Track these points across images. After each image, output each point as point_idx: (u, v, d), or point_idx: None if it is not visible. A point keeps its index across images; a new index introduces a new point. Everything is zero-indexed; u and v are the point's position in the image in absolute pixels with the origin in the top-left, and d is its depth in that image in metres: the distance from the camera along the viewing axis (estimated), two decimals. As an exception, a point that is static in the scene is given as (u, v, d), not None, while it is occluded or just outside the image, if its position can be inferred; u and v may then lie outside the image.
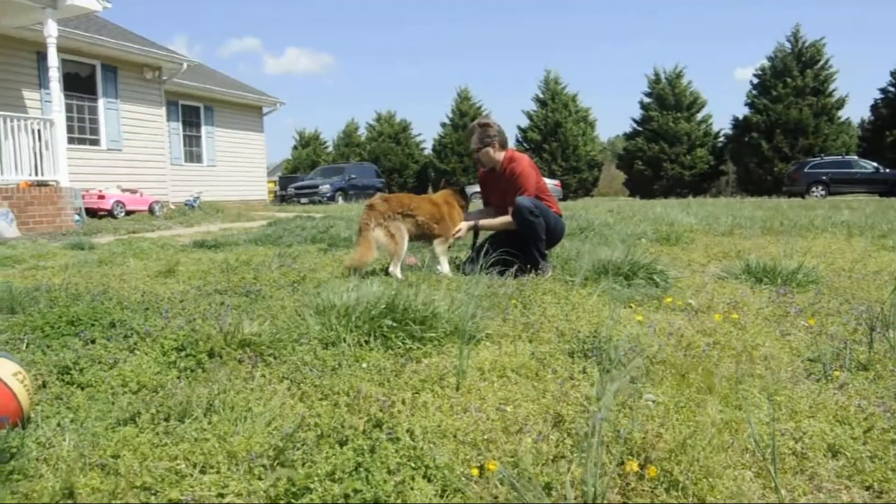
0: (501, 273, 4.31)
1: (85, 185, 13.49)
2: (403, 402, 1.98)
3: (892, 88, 35.30)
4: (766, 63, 36.52)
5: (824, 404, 2.03)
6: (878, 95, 36.01)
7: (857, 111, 77.05)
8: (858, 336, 2.80)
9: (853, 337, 2.78)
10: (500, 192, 4.87)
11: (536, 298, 3.61)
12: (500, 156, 4.83)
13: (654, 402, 2.01)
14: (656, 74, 39.78)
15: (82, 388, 2.22)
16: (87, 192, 13.36)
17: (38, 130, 11.32)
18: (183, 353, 2.50)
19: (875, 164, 26.04)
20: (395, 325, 2.74)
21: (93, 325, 2.95)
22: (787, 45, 36.07)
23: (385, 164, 41.93)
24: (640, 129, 39.76)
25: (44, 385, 2.25)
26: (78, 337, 2.78)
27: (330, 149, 47.44)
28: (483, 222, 4.92)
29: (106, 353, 2.53)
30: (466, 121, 41.25)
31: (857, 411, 1.96)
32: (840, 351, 2.55)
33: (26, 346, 2.71)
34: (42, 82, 13.46)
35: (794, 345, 2.77)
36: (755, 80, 37.12)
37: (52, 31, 11.15)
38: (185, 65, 16.95)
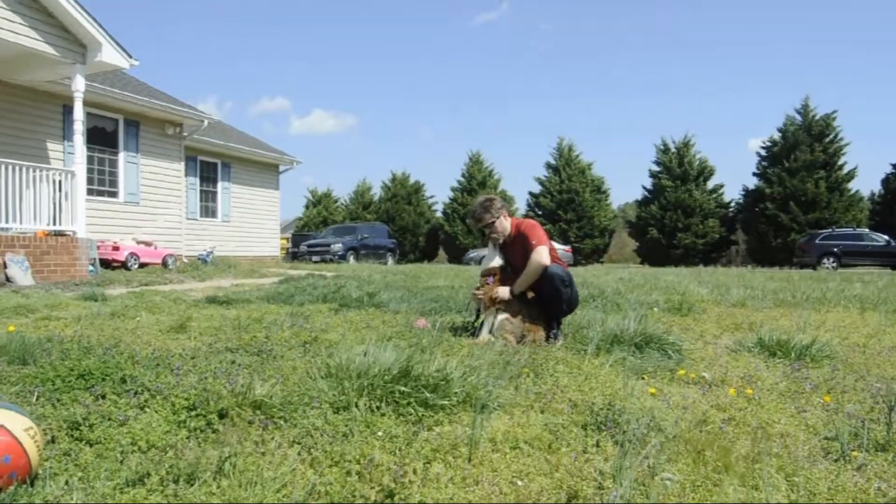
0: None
1: (101, 236, 13.65)
2: (415, 472, 1.95)
3: (903, 163, 35.58)
4: (777, 135, 36.97)
5: (843, 486, 1.99)
6: (889, 170, 36.32)
7: (867, 184, 77.01)
8: (875, 415, 2.76)
9: (870, 416, 2.74)
10: (514, 258, 4.91)
11: (548, 367, 3.58)
12: (508, 223, 4.99)
13: (671, 481, 1.97)
14: (664, 144, 40.30)
15: (91, 445, 2.21)
16: (102, 243, 13.50)
17: (59, 181, 11.54)
18: (193, 413, 2.48)
19: (886, 237, 26.03)
20: (407, 391, 2.72)
21: (104, 379, 2.94)
22: (798, 117, 36.52)
23: (402, 222, 42.17)
24: (651, 197, 40.01)
25: (53, 440, 2.24)
26: (89, 392, 2.77)
27: (342, 208, 47.87)
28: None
29: (116, 409, 2.52)
30: (476, 185, 41.69)
31: (878, 494, 1.92)
32: (858, 430, 2.51)
33: (36, 399, 2.70)
34: (66, 134, 13.77)
35: (811, 422, 2.73)
36: (763, 153, 37.58)
37: (79, 85, 11.48)
38: (206, 121, 17.31)
